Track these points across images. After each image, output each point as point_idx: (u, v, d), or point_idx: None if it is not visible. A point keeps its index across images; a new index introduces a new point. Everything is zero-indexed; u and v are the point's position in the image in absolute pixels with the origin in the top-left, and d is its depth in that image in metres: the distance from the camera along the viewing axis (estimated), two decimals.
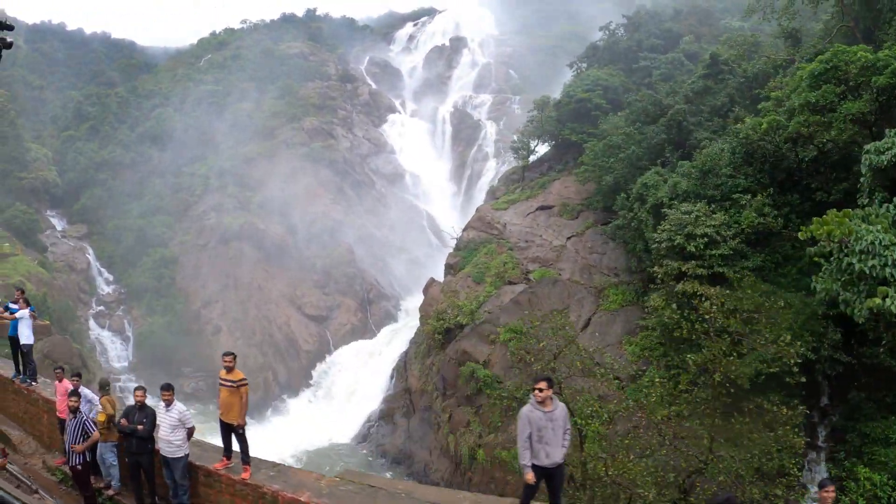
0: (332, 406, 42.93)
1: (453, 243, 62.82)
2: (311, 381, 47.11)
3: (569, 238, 40.81)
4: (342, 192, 63.77)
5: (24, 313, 15.02)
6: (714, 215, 28.30)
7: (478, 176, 67.88)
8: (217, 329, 52.45)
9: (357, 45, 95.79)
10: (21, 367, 15.39)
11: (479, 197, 65.47)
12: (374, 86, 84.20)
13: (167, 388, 11.00)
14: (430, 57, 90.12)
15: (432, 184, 71.12)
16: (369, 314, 49.31)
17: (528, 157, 50.74)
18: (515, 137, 53.88)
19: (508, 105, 74.45)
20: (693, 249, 27.23)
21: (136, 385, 12.05)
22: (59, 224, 66.60)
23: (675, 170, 33.72)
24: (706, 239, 27.41)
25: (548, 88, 73.46)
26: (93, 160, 68.82)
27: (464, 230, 46.66)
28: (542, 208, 45.23)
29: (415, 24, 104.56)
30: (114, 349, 53.86)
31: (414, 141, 75.32)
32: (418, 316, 48.47)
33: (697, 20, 52.94)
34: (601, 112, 45.65)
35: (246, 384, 11.22)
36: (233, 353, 11.54)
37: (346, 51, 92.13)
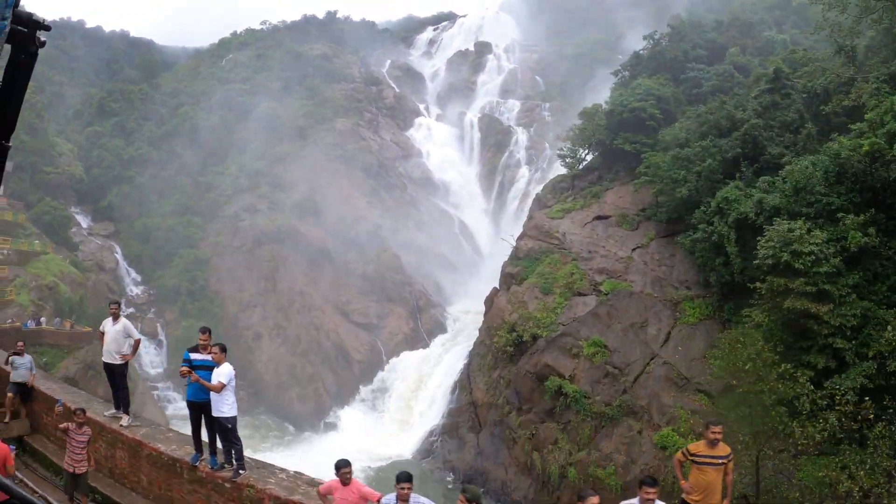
0: (388, 420, 41.50)
1: (487, 252, 62.14)
2: (363, 393, 45.48)
3: (633, 249, 40.03)
4: (378, 196, 62.53)
5: (225, 372, 10.00)
6: (812, 233, 27.74)
7: (510, 183, 67.09)
8: (257, 335, 50.91)
9: (378, 49, 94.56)
10: (212, 448, 10.89)
11: (512, 204, 64.82)
12: (397, 89, 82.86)
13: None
14: (453, 61, 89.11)
15: (462, 189, 70.18)
16: (420, 323, 47.97)
17: (578, 165, 49.89)
18: (563, 147, 53.10)
19: (538, 112, 73.67)
20: (801, 266, 26.59)
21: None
22: (83, 221, 64.43)
23: (752, 185, 33.27)
24: (813, 256, 26.83)
25: (578, 96, 73.26)
26: (119, 157, 66.75)
27: (519, 239, 45.70)
28: (599, 218, 44.41)
29: (435, 29, 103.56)
30: (147, 354, 51.69)
31: (441, 146, 74.29)
32: (471, 325, 47.67)
33: (739, 32, 52.56)
34: (655, 122, 45.04)
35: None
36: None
37: (367, 54, 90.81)
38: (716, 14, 58.57)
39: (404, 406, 41.54)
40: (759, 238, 29.76)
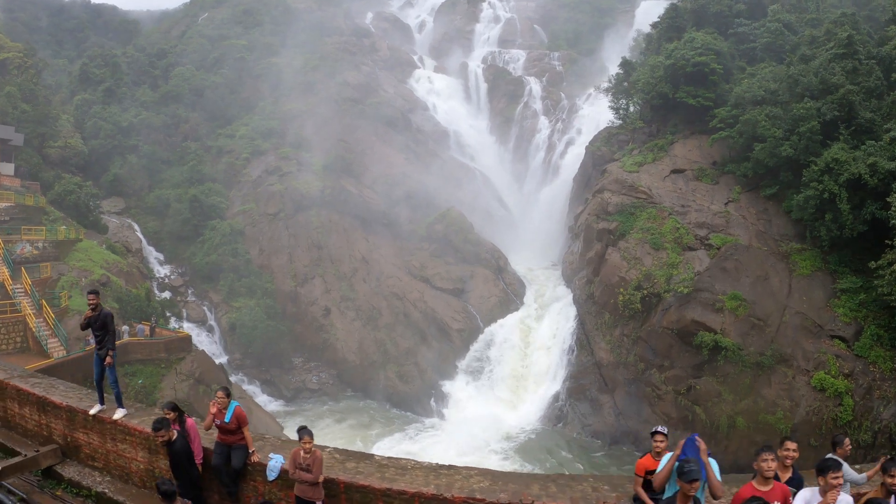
0: (501, 390, 41.04)
1: (512, 205, 61.76)
2: (466, 364, 42.35)
3: (726, 204, 41.35)
4: (412, 151, 60.03)
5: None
6: None
7: (530, 134, 66.49)
8: (325, 310, 47.80)
9: (355, 0, 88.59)
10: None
11: (537, 156, 64.54)
12: (388, 41, 78.67)
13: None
14: (442, 11, 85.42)
15: (474, 141, 68.66)
16: (506, 284, 47.13)
17: (637, 119, 50.15)
18: (612, 97, 53.15)
19: (547, 61, 72.56)
20: None
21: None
22: None
23: (855, 147, 34.98)
24: None
25: (587, 45, 72.81)
26: (118, 125, 59.84)
27: (599, 192, 45.81)
28: (675, 171, 45.31)
29: None
30: (200, 344, 45.80)
31: (447, 98, 72.06)
32: (548, 283, 47.79)
33: None
34: (716, 77, 45.80)
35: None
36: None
37: (347, 6, 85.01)
38: None
39: (515, 373, 41.28)
40: (869, 198, 32.14)
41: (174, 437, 9.43)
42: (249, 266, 51.46)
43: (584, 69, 69.71)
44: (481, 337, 42.83)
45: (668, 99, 47.44)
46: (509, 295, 45.36)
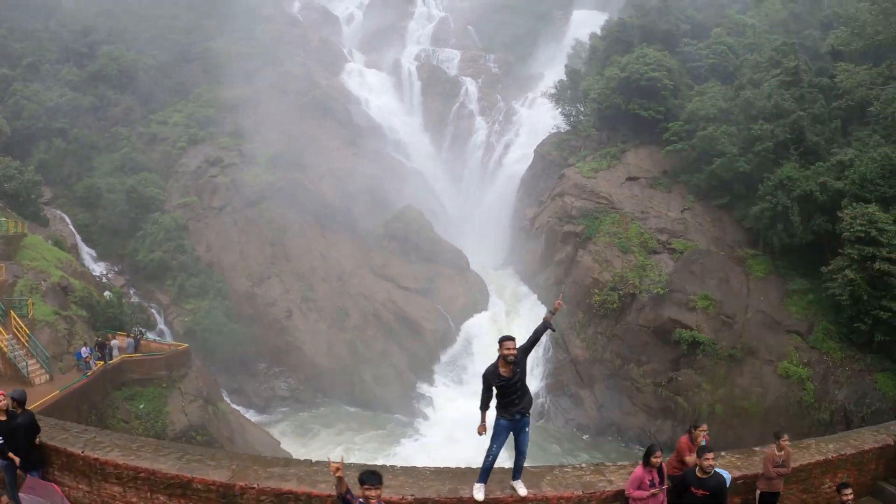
0: (478, 389, 41.34)
1: (448, 206, 62.03)
2: (443, 364, 42.66)
3: (682, 211, 44.46)
4: (357, 146, 58.55)
5: None
6: (885, 215, 34.18)
7: (466, 134, 67.25)
8: (287, 312, 45.31)
9: None
10: None
11: (474, 155, 65.41)
12: (318, 33, 75.99)
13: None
14: (373, 5, 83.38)
15: (409, 139, 68.30)
16: (469, 283, 47.16)
17: (590, 126, 52.26)
18: (560, 106, 55.14)
19: (482, 63, 73.41)
20: (884, 240, 32.85)
21: None
22: None
23: (804, 167, 38.83)
24: (891, 232, 33.30)
25: (522, 50, 74.47)
26: (43, 105, 52.97)
27: (559, 196, 47.49)
28: (630, 179, 47.96)
29: None
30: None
31: (379, 93, 71.07)
32: (507, 284, 48.74)
33: (714, 11, 57.40)
34: (667, 92, 48.93)
35: None
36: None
37: None
38: None
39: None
40: (817, 212, 36.24)
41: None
42: (198, 264, 47.92)
43: (520, 73, 71.49)
44: (458, 337, 42.77)
45: (619, 109, 49.91)
46: (475, 294, 45.84)
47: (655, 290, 38.30)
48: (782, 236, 38.34)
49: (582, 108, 55.45)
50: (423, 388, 41.35)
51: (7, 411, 9.66)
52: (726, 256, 40.95)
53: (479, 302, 45.51)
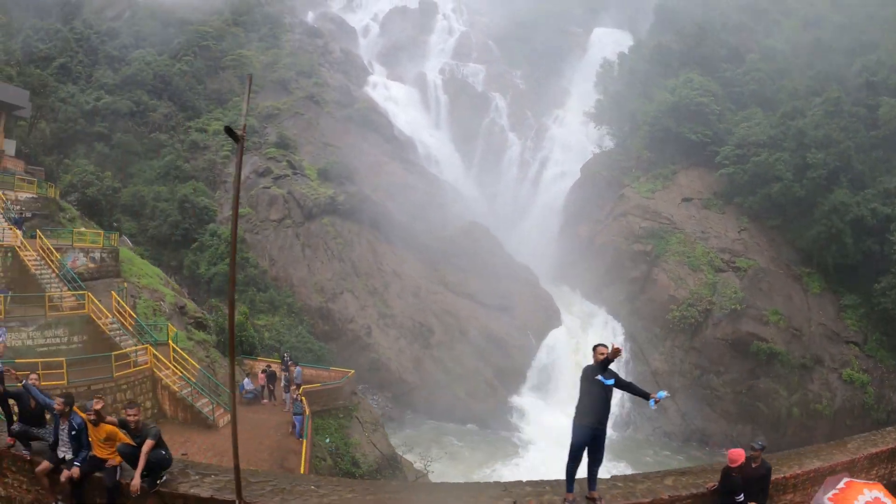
0: (562, 401, 47.13)
1: (486, 223, 68.05)
2: (529, 379, 47.68)
3: (739, 232, 52.51)
4: (402, 160, 63.98)
5: None
6: None
7: (499, 150, 73.65)
8: (367, 329, 49.83)
9: None
10: None
11: (510, 171, 72.02)
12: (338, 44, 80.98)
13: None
14: (391, 18, 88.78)
15: (439, 154, 73.97)
16: (541, 300, 53.27)
17: (642, 148, 59.59)
18: (619, 129, 62.48)
19: (509, 78, 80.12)
20: None
21: None
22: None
23: (856, 194, 47.35)
24: None
25: (547, 66, 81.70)
26: (81, 108, 55.62)
27: (622, 216, 54.61)
28: (685, 200, 55.84)
29: None
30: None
31: (404, 106, 76.47)
32: (569, 299, 55.35)
33: (746, 36, 65.91)
34: (714, 116, 57.31)
35: None
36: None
37: (291, 3, 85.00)
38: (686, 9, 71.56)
39: (574, 384, 48.06)
40: (866, 235, 44.79)
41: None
42: (263, 278, 51.86)
43: (546, 89, 78.74)
44: (539, 353, 48.86)
45: (670, 132, 57.74)
46: (547, 311, 52.08)
47: (732, 307, 45.94)
48: (836, 256, 46.85)
49: (625, 129, 62.90)
50: (516, 399, 47.10)
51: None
52: (785, 274, 49.12)
53: (552, 318, 51.81)
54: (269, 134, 62.65)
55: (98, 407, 8.92)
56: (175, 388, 23.68)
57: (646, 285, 50.13)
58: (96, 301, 25.62)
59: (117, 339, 24.75)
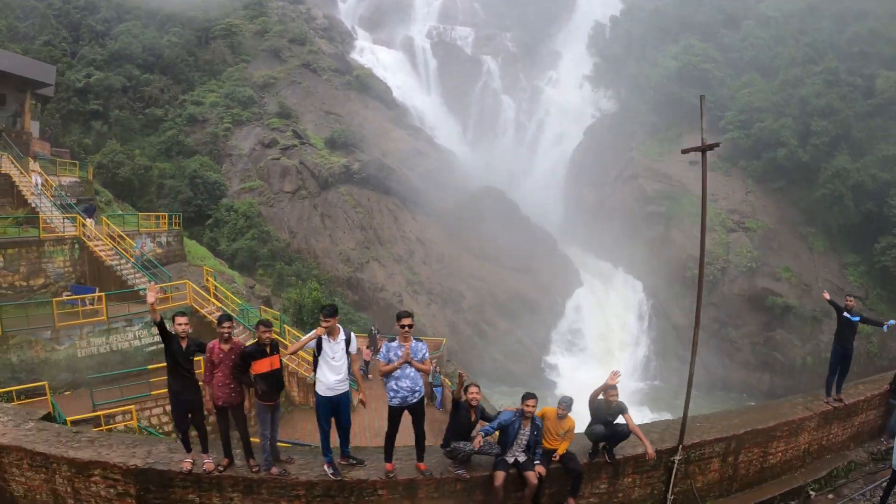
0: (591, 355, 52.54)
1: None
2: (557, 337, 52.41)
3: (746, 194, 58.26)
4: (405, 126, 66.83)
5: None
6: None
7: (493, 113, 77.24)
8: (397, 296, 53.16)
9: None
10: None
11: (506, 134, 75.92)
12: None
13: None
14: None
15: (433, 119, 77.01)
16: (560, 260, 57.80)
17: (650, 111, 64.41)
18: (617, 93, 66.94)
19: (499, 41, 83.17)
20: None
21: None
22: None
23: (857, 160, 53.46)
24: None
25: (532, 28, 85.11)
26: (72, 86, 56.10)
27: (633, 178, 59.71)
28: (692, 163, 61.11)
29: None
30: None
31: (394, 72, 78.67)
32: (587, 258, 60.34)
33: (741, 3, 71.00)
34: (716, 81, 62.66)
35: None
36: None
37: None
38: None
39: (601, 340, 53.44)
40: (865, 198, 51.01)
41: None
42: (286, 251, 54.47)
43: (537, 52, 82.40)
44: (566, 311, 53.80)
45: (674, 97, 62.70)
46: (567, 271, 56.90)
47: (747, 265, 51.75)
48: (838, 218, 53.13)
49: (622, 92, 67.47)
50: (549, 358, 52.10)
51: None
52: (791, 234, 55.27)
53: (573, 278, 56.69)
54: (267, 104, 64.45)
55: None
56: (304, 373, 26.45)
57: (663, 245, 55.45)
58: (197, 288, 26.65)
59: None
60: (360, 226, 57.37)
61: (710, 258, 53.04)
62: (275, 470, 9.68)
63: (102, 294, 24.28)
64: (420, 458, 10.10)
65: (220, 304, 27.66)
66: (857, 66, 58.87)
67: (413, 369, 9.44)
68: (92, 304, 24.45)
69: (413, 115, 74.64)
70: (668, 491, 11.60)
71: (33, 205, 30.41)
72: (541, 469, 9.95)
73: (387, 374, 9.42)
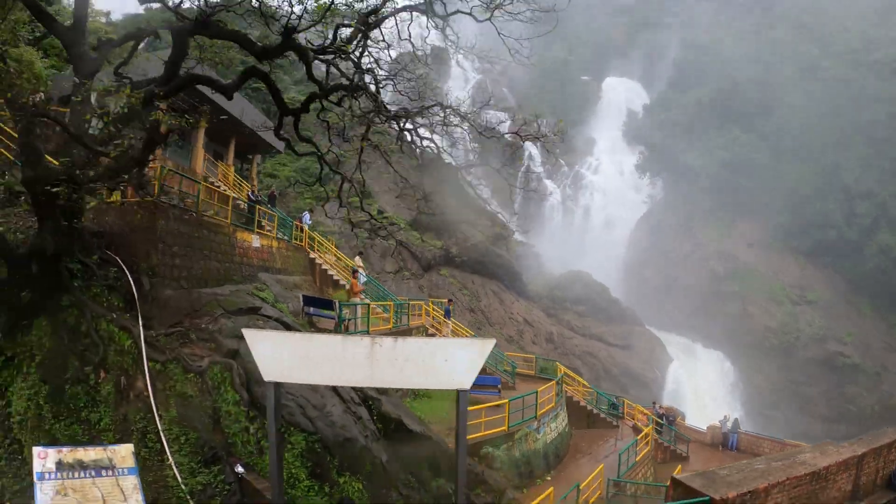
0: (692, 416, 66.77)
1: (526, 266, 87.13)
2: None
3: (802, 270, 75.99)
4: (482, 210, 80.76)
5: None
6: None
7: (538, 198, 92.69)
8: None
9: None
10: None
11: (552, 218, 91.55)
12: None
13: None
14: (402, 62, 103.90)
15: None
16: (649, 337, 72.35)
17: (704, 197, 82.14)
18: (660, 179, 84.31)
19: (535, 128, 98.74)
20: None
21: None
22: None
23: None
24: None
25: (561, 114, 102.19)
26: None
27: (704, 261, 76.18)
28: (749, 245, 78.87)
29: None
30: None
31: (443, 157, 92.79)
32: (665, 333, 75.76)
33: (768, 90, 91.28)
34: (760, 169, 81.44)
35: None
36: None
37: None
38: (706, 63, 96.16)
39: (700, 409, 67.83)
40: None
41: None
42: None
43: (570, 137, 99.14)
44: (666, 382, 68.16)
45: (728, 183, 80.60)
46: (657, 346, 71.78)
47: (817, 333, 68.70)
48: (886, 286, 71.29)
49: (670, 178, 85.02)
50: None
51: None
52: (845, 302, 73.06)
53: (662, 352, 71.53)
54: (335, 179, 76.25)
55: None
56: (580, 399, 38.81)
57: (742, 319, 71.67)
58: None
59: None
60: (469, 308, 70.00)
61: (784, 328, 69.65)
62: None
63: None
64: None
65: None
66: (885, 150, 78.63)
67: None
68: None
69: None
70: None
71: None
72: None
73: None
